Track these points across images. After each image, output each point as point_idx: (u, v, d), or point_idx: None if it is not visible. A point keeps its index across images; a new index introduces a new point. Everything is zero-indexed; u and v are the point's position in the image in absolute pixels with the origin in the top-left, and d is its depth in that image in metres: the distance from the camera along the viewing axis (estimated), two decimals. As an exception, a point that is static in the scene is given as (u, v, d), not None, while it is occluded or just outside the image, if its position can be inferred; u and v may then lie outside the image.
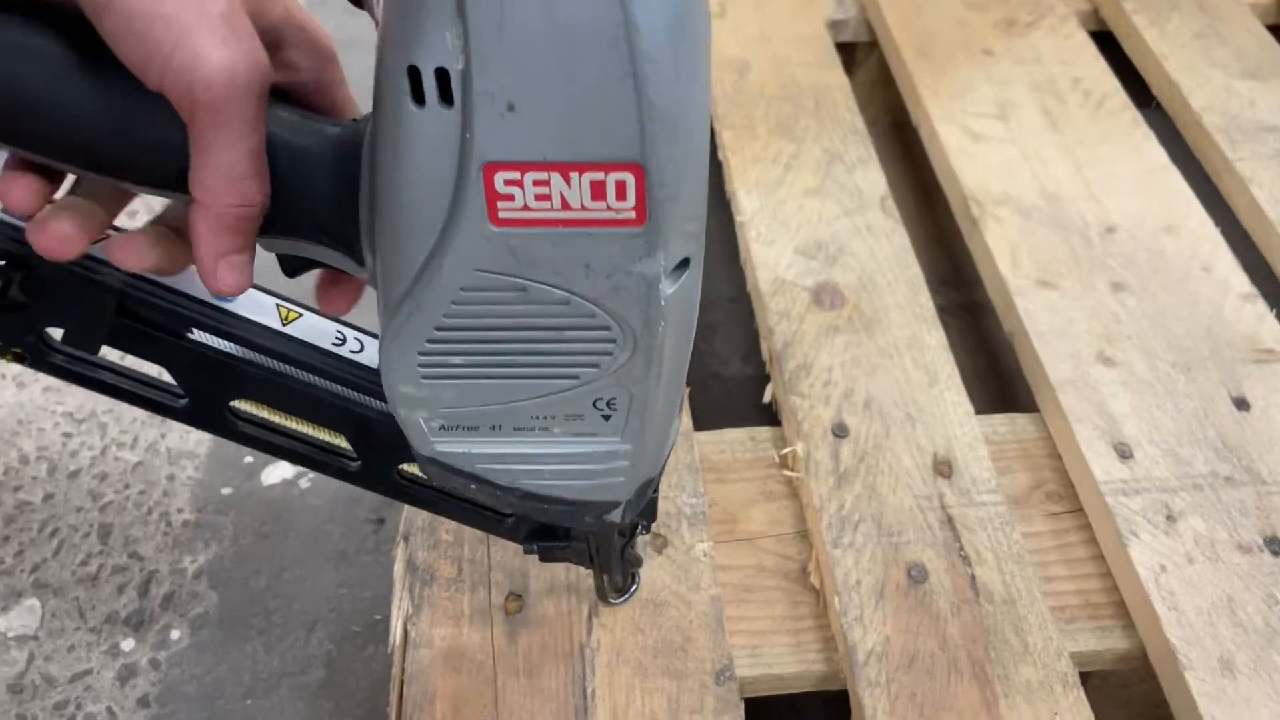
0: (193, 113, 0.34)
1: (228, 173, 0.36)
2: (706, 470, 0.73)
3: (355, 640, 0.84)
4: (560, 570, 0.65)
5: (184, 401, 0.50)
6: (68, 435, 0.95)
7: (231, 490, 0.92)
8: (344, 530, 0.90)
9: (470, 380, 0.40)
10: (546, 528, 0.58)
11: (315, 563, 0.88)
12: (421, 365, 0.39)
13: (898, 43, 1.04)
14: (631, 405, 0.40)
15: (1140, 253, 0.85)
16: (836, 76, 1.01)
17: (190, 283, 0.45)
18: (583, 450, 0.43)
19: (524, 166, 0.32)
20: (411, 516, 0.68)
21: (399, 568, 0.66)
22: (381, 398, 0.48)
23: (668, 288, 0.36)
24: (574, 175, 0.32)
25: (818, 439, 0.73)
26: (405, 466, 0.55)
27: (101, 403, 0.97)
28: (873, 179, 0.91)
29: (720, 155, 0.95)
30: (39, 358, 0.47)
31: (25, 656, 0.81)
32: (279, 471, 0.94)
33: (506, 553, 0.66)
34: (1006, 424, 0.77)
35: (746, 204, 0.89)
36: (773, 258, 0.84)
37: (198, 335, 0.47)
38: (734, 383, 1.02)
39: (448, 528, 0.67)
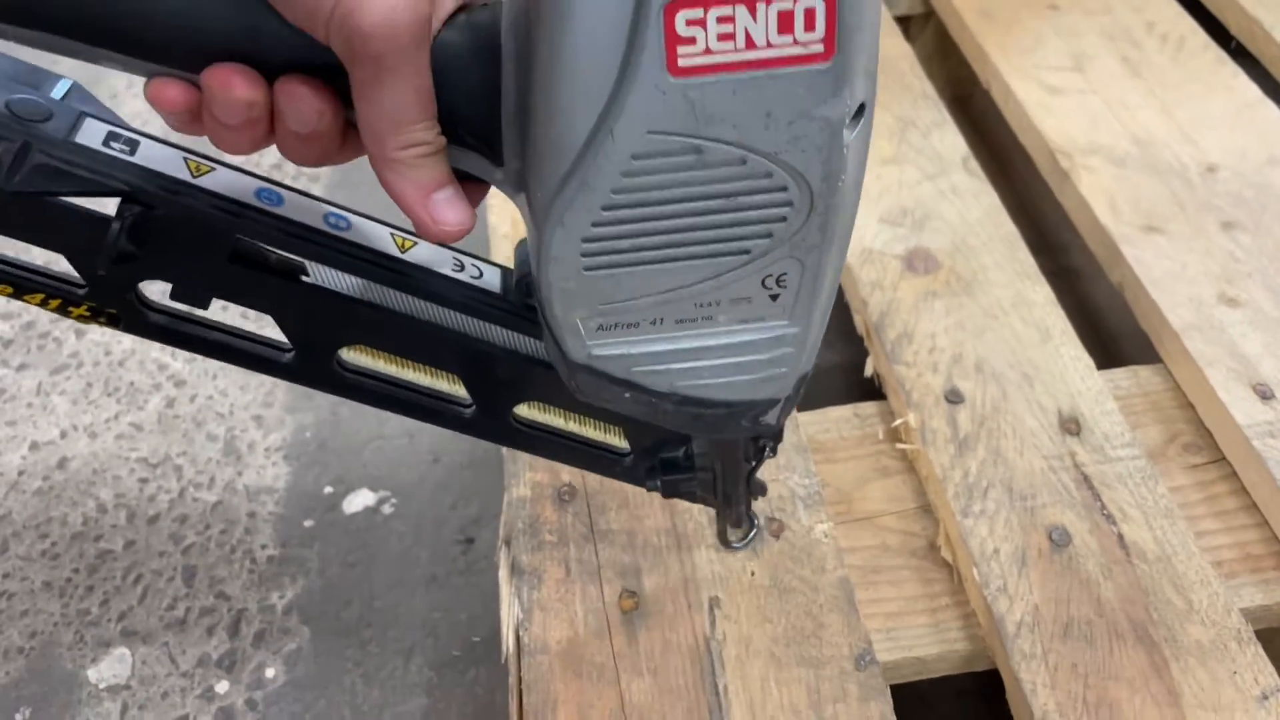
0: (352, 64, 0.33)
1: (393, 120, 0.34)
2: (814, 451, 0.69)
3: (455, 665, 0.80)
4: (675, 562, 0.61)
5: (290, 355, 0.47)
6: (144, 480, 0.93)
7: (314, 522, 0.89)
8: (432, 553, 0.87)
9: (636, 267, 0.37)
10: (669, 461, 0.54)
11: (406, 588, 0.84)
12: (585, 255, 0.36)
13: (958, 6, 1.00)
14: (803, 279, 0.37)
15: (1246, 189, 0.80)
16: (899, 45, 0.97)
17: (307, 212, 0.42)
18: (747, 339, 0.39)
19: (708, 1, 0.29)
20: (511, 520, 0.64)
21: (504, 573, 0.63)
22: (507, 324, 0.46)
23: (849, 134, 0.33)
24: (761, 6, 0.30)
25: (930, 407, 0.68)
26: (520, 410, 0.52)
27: (175, 445, 0.95)
28: (951, 141, 0.87)
29: (787, 135, 0.92)
30: (134, 319, 0.44)
31: (119, 707, 0.79)
32: (360, 499, 0.91)
33: (615, 548, 0.62)
34: (1129, 377, 0.72)
35: (822, 178, 0.85)
36: (857, 229, 0.79)
37: (313, 276, 0.44)
38: (820, 370, 0.97)
39: (550, 527, 0.64)
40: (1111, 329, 0.92)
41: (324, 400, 0.98)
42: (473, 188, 0.41)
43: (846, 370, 0.94)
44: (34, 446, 0.95)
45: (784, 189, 0.34)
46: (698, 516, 0.64)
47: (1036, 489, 0.63)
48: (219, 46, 0.34)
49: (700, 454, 0.54)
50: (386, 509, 0.90)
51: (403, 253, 0.44)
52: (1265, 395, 0.66)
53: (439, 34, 0.35)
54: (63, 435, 0.96)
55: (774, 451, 0.53)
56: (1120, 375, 0.72)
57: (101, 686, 0.80)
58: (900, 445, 0.68)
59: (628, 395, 0.42)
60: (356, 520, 0.89)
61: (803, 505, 0.64)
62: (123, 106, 1.28)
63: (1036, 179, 0.90)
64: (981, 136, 1.09)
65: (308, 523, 0.89)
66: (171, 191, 0.40)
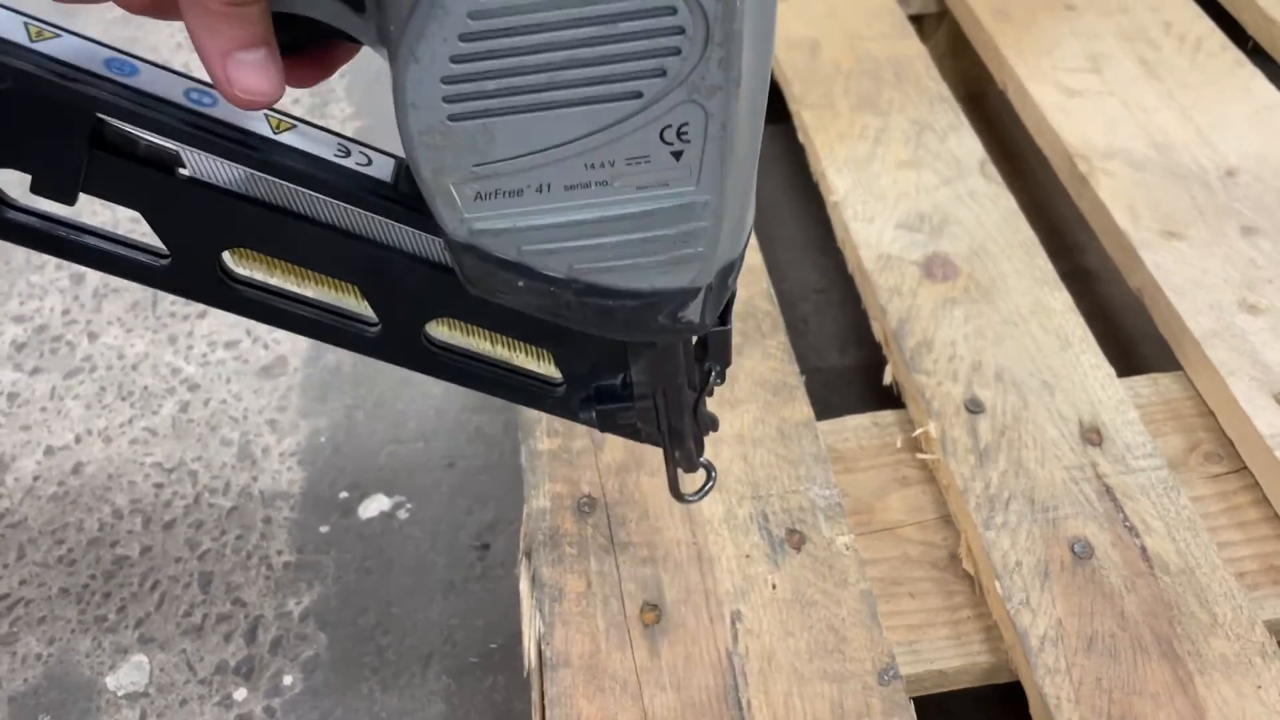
0: None
1: None
2: (834, 460, 0.68)
3: (473, 672, 0.80)
4: (696, 575, 0.61)
5: (165, 262, 0.43)
6: (159, 486, 0.93)
7: (329, 528, 0.89)
8: (448, 559, 0.87)
9: (509, 116, 0.32)
10: (606, 390, 0.49)
11: (423, 595, 0.84)
12: (448, 100, 0.32)
13: (972, 6, 0.99)
14: (708, 132, 0.33)
15: (1267, 194, 0.80)
16: (914, 46, 0.97)
17: (167, 86, 0.38)
18: (650, 209, 0.35)
19: None
20: (532, 533, 0.64)
21: (524, 586, 0.62)
22: (399, 217, 0.41)
23: None
24: None
25: (950, 416, 0.68)
26: (435, 332, 0.47)
27: (190, 450, 0.95)
28: (968, 145, 0.87)
29: (802, 137, 0.91)
30: None
31: (138, 715, 0.79)
32: (376, 505, 0.90)
33: (635, 561, 0.62)
34: (1149, 385, 0.72)
35: (838, 183, 0.84)
36: (874, 235, 0.80)
37: (191, 168, 0.40)
38: (834, 374, 0.97)
39: (570, 539, 0.63)
40: (1129, 332, 0.92)
41: (339, 404, 0.98)
42: (325, 54, 0.37)
43: (860, 375, 0.94)
44: (49, 451, 0.95)
45: (672, 10, 0.30)
46: (718, 529, 0.63)
47: (1058, 500, 0.63)
48: None
49: (639, 380, 0.48)
50: (402, 514, 0.90)
51: (276, 134, 0.39)
52: (1288, 404, 0.66)
53: None
54: (77, 440, 0.96)
55: (721, 378, 0.48)
56: (1140, 383, 0.72)
57: (120, 694, 0.80)
58: (920, 455, 0.68)
59: (521, 284, 0.37)
60: (372, 525, 0.89)
61: (823, 517, 0.64)
62: None
63: (1054, 179, 0.90)
64: (998, 135, 1.09)
65: (323, 528, 0.89)
66: (6, 55, 0.36)
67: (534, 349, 0.49)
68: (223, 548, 0.88)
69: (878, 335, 0.76)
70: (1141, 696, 0.55)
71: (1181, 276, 0.74)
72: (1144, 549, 0.61)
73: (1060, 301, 0.74)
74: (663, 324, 0.40)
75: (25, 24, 0.37)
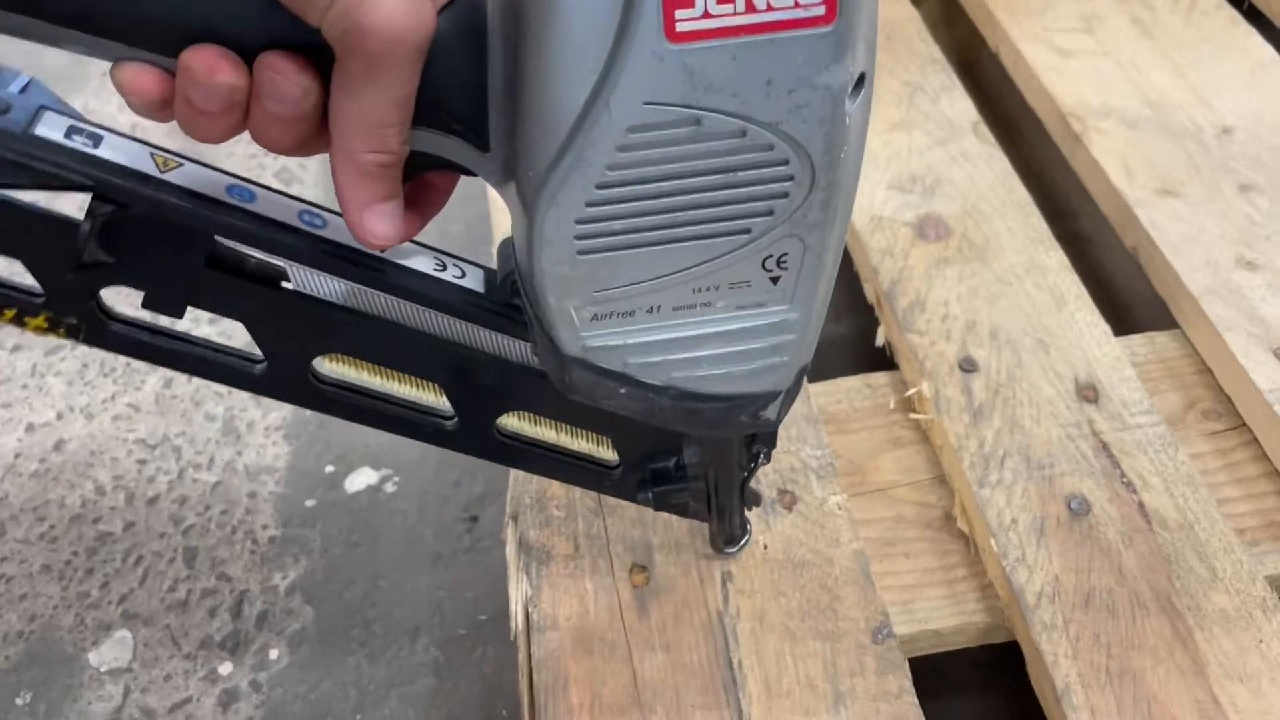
0: (346, 57, 0.32)
1: (368, 120, 0.33)
2: (826, 422, 0.67)
3: (462, 644, 0.79)
4: (686, 535, 0.60)
5: (262, 366, 0.45)
6: (142, 462, 0.92)
7: (315, 501, 0.88)
8: (436, 531, 0.85)
9: (632, 249, 0.35)
10: (660, 472, 0.53)
11: (411, 567, 0.83)
12: (579, 237, 0.35)
13: (964, -31, 0.98)
14: (804, 260, 0.36)
15: (1264, 152, 0.79)
16: (905, 9, 0.95)
17: (282, 209, 0.40)
18: (747, 326, 0.38)
19: None
20: (519, 496, 0.63)
21: (511, 549, 0.61)
22: (492, 325, 0.44)
23: (850, 104, 0.32)
24: None
25: (944, 376, 0.67)
26: (505, 422, 0.50)
27: (174, 426, 0.94)
28: (960, 106, 0.85)
29: (792, 102, 0.90)
30: (96, 329, 0.42)
31: (121, 690, 0.77)
32: (362, 478, 0.89)
33: (624, 523, 0.61)
34: (1145, 343, 0.71)
35: (829, 145, 0.83)
36: (865, 196, 0.78)
37: (294, 282, 0.42)
38: (827, 342, 0.96)
39: (558, 502, 0.62)
40: (1125, 295, 0.91)
41: (324, 378, 0.96)
42: (441, 182, 0.40)
43: (856, 340, 0.93)
44: (30, 429, 0.94)
45: (785, 162, 0.33)
46: (708, 489, 0.62)
47: (1054, 457, 0.62)
48: (198, 26, 0.32)
49: (691, 463, 0.52)
50: (389, 487, 0.88)
51: (383, 252, 0.42)
52: (1286, 359, 0.65)
53: None
54: (59, 417, 0.95)
55: (768, 458, 0.52)
56: (1137, 342, 0.71)
57: (103, 670, 0.78)
58: (914, 415, 0.67)
59: (623, 390, 0.41)
60: (359, 499, 0.88)
61: (815, 477, 0.63)
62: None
63: (1047, 144, 0.89)
64: (990, 101, 1.07)
65: (309, 502, 0.88)
66: (141, 187, 0.38)
67: (594, 435, 0.52)
68: (207, 523, 0.87)
69: (870, 297, 0.75)
70: (1140, 651, 0.54)
71: (1177, 234, 0.73)
72: (1142, 505, 0.60)
73: (1055, 260, 0.73)
74: (744, 422, 0.43)
75: (152, 154, 0.39)
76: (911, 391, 0.67)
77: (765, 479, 0.62)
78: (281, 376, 0.46)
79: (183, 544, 0.86)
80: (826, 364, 0.93)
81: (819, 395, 0.69)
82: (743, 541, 0.58)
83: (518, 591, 0.59)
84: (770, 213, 0.35)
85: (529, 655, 0.56)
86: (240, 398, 0.96)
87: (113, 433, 0.94)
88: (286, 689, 0.77)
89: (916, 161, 0.81)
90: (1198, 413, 0.67)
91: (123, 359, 1.00)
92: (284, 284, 0.42)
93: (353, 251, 0.41)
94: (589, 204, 0.34)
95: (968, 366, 0.67)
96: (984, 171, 0.80)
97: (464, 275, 0.44)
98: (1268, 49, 0.87)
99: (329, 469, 0.90)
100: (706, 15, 0.29)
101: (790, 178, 0.34)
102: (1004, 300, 0.71)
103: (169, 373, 0.98)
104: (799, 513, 0.61)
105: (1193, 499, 0.60)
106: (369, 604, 0.81)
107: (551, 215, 0.34)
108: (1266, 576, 0.57)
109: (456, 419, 0.49)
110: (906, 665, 0.55)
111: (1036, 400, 0.65)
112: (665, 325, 0.38)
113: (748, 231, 0.35)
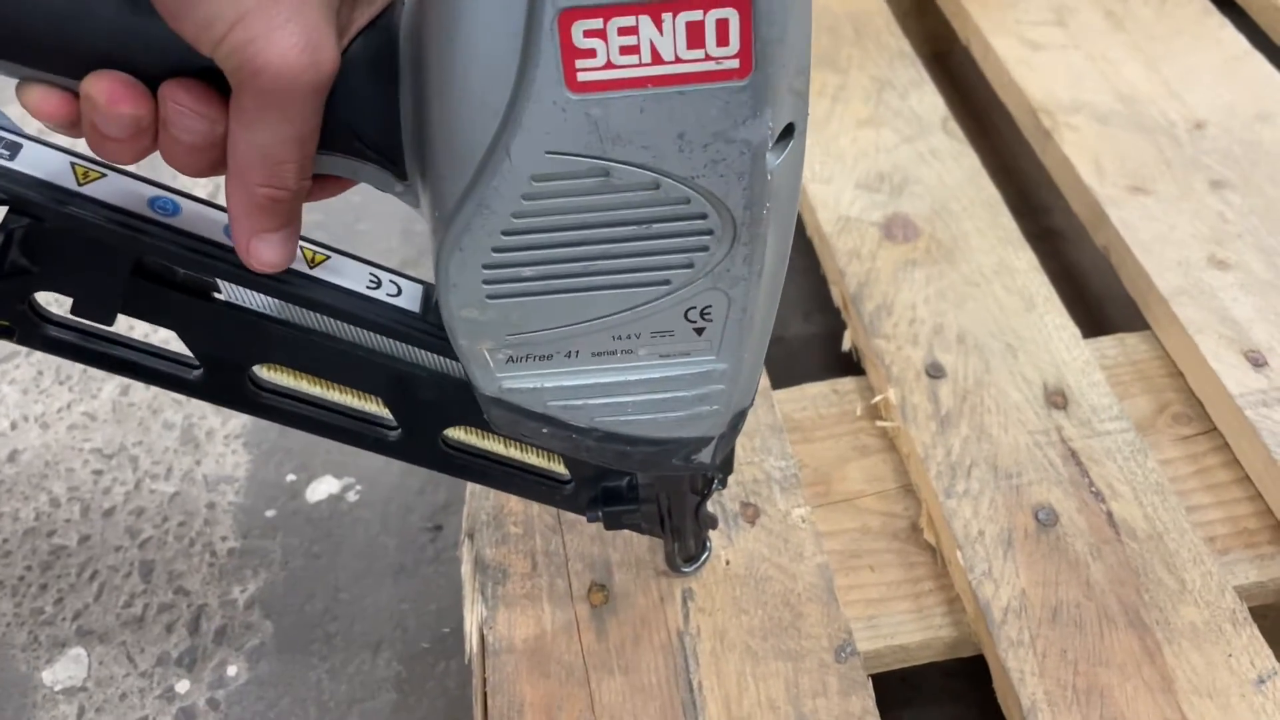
0: (239, 92, 0.30)
1: (264, 156, 0.31)
2: (790, 430, 0.66)
3: (424, 658, 0.77)
4: (646, 552, 0.59)
5: (198, 372, 0.44)
6: (98, 473, 0.89)
7: (275, 512, 0.86)
8: (399, 542, 0.84)
9: (543, 296, 0.34)
10: (613, 491, 0.51)
11: (373, 579, 0.81)
12: (487, 282, 0.33)
13: (934, -40, 0.96)
14: (729, 313, 0.34)
15: (1235, 147, 0.77)
16: (874, 2, 0.93)
17: (207, 224, 0.39)
18: (671, 375, 0.37)
19: (607, 11, 0.26)
20: (475, 512, 0.61)
21: (467, 568, 0.60)
22: (427, 345, 0.42)
23: (773, 159, 0.30)
24: (666, 17, 0.27)
25: (911, 382, 0.65)
26: (450, 433, 0.49)
27: (130, 435, 0.91)
28: (929, 102, 0.84)
29: (759, 98, 0.88)
30: (29, 331, 0.41)
31: (75, 710, 0.75)
32: (324, 487, 0.87)
33: (583, 539, 0.59)
34: (1115, 345, 0.70)
35: (795, 143, 0.81)
36: (832, 196, 0.77)
37: (225, 294, 0.41)
38: (798, 343, 0.94)
39: (515, 519, 0.61)
40: (1096, 294, 0.90)
41: (285, 384, 0.94)
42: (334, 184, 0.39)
43: (823, 342, 0.92)
44: (-17, 439, 0.91)
45: (703, 216, 0.32)
46: (669, 503, 0.61)
47: (1022, 466, 0.61)
48: (97, 52, 0.31)
49: (645, 485, 0.51)
50: (351, 497, 0.87)
51: (312, 268, 0.40)
52: (1258, 363, 0.64)
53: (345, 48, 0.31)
54: (13, 427, 0.93)
55: (723, 484, 0.51)
56: (1107, 344, 0.70)
57: (57, 689, 0.77)
58: (880, 423, 0.66)
59: (545, 430, 0.39)
60: (320, 509, 0.86)
61: (779, 488, 0.61)
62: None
63: (1018, 139, 0.87)
64: (961, 96, 1.06)
65: (269, 513, 0.86)
66: (58, 202, 0.36)
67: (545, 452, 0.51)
68: (164, 535, 0.85)
69: (836, 300, 0.73)
70: (1108, 667, 0.53)
71: (1149, 233, 0.72)
72: (1110, 514, 0.58)
73: (1024, 261, 0.72)
74: (677, 465, 0.42)
75: (73, 164, 0.37)
76: (878, 399, 0.66)
77: (727, 492, 0.61)
78: (217, 383, 0.45)
79: (139, 557, 0.84)
80: (797, 365, 0.92)
81: (784, 402, 0.67)
82: (701, 560, 0.57)
83: (473, 613, 0.58)
84: (690, 265, 0.33)
85: (484, 679, 0.55)
86: (199, 405, 0.93)
87: (68, 442, 0.92)
88: (245, 706, 0.75)
89: (885, 160, 0.79)
90: (1168, 417, 0.66)
91: (78, 366, 0.97)
92: (215, 295, 0.41)
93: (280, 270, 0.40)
94: (495, 249, 0.32)
95: (935, 372, 0.66)
96: (953, 169, 0.78)
97: (399, 293, 0.42)
98: (1241, 40, 0.86)
99: (290, 478, 0.88)
100: (610, 65, 0.28)
101: (709, 231, 0.32)
102: (972, 303, 0.69)
103: (126, 380, 0.96)
104: (762, 526, 0.60)
105: (1162, 508, 0.59)
106: (330, 617, 0.80)
107: (456, 260, 0.33)
108: (1236, 586, 0.56)
109: (400, 430, 0.48)
110: (870, 685, 0.54)
111: (1004, 407, 0.64)
112: (585, 370, 0.37)
113: (667, 283, 0.34)
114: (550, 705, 0.53)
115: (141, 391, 0.95)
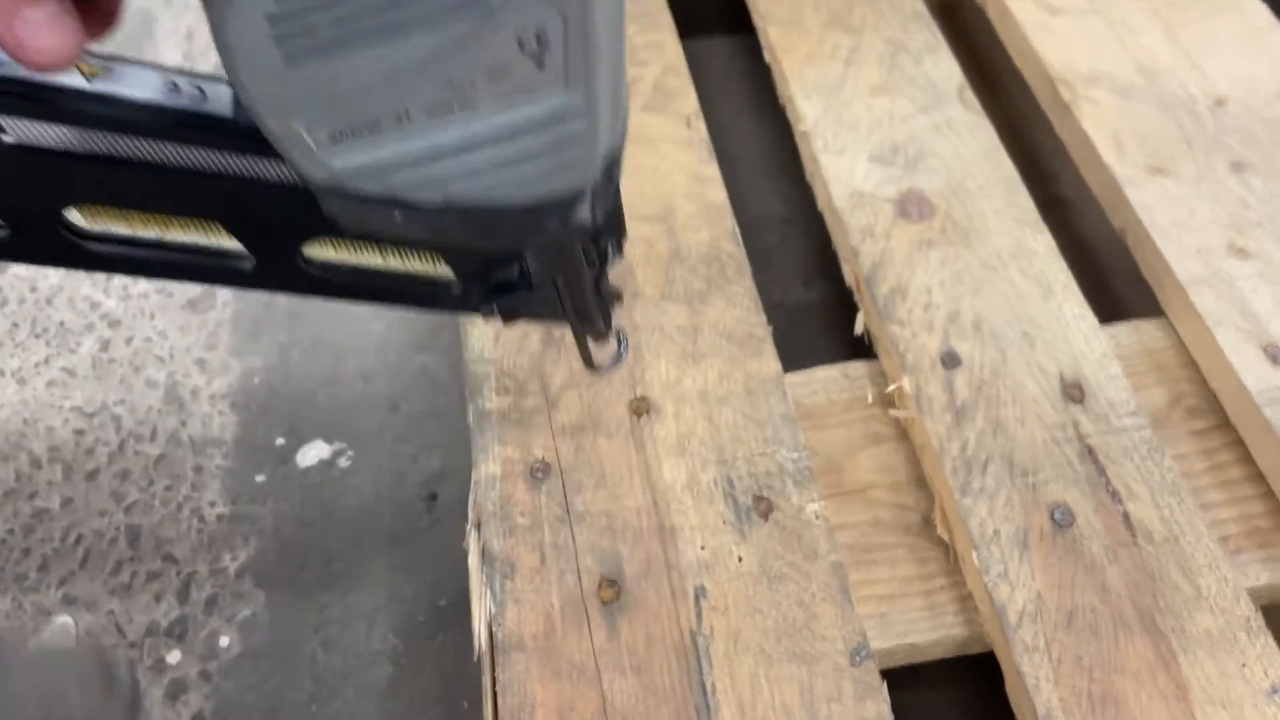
0: None
1: None
2: (802, 417, 0.64)
3: (421, 630, 0.76)
4: (657, 547, 0.57)
5: (5, 233, 0.40)
6: (80, 432, 0.87)
7: (265, 477, 0.84)
8: (394, 510, 0.82)
9: (347, 47, 0.29)
10: (505, 282, 0.47)
11: (367, 548, 0.80)
12: (278, 40, 0.28)
13: (951, -88, 0.92)
14: (568, 35, 0.30)
15: (1258, 125, 0.76)
16: (888, -44, 0.90)
17: None
18: (522, 118, 0.32)
19: None
20: (480, 501, 0.60)
21: (473, 560, 0.58)
22: (246, 149, 0.38)
23: None
24: None
25: (926, 371, 0.64)
26: (313, 252, 0.44)
27: (112, 393, 0.89)
28: (945, 69, 0.81)
29: (768, 57, 0.85)
30: None
31: (64, 680, 0.74)
32: (315, 451, 0.85)
33: (593, 531, 0.58)
34: (1130, 333, 0.69)
35: (807, 110, 0.79)
36: (845, 169, 0.74)
37: (11, 134, 0.36)
38: (798, 310, 0.93)
39: (522, 509, 0.59)
40: (1110, 268, 0.88)
41: (272, 341, 0.92)
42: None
43: (824, 310, 0.90)
44: (-43, 395, 0.88)
45: None
46: (680, 496, 0.59)
47: (1039, 463, 0.60)
48: None
49: (536, 270, 0.46)
50: (343, 462, 0.85)
51: (90, 82, 0.35)
52: (1276, 358, 0.63)
53: None
54: (-12, 382, 0.90)
55: (619, 249, 0.46)
56: (1122, 331, 0.68)
57: (44, 659, 0.75)
58: (894, 412, 0.64)
59: (398, 216, 0.35)
60: (311, 474, 0.84)
61: (792, 482, 0.60)
62: None
63: (1028, 100, 0.85)
64: (972, 53, 1.03)
65: (259, 477, 0.84)
66: None
67: (425, 252, 0.46)
68: (151, 499, 0.83)
69: (848, 280, 0.71)
70: (1123, 675, 0.53)
71: (1168, 217, 0.70)
72: (1127, 515, 0.58)
73: (1042, 244, 0.70)
74: (553, 229, 0.37)
75: None
76: (892, 388, 0.65)
77: (740, 484, 0.60)
78: (28, 238, 0.40)
79: (125, 522, 0.82)
80: (798, 335, 0.90)
81: (795, 386, 0.66)
82: (620, 355, 0.53)
83: (481, 608, 0.56)
84: None
85: (493, 679, 0.54)
86: (183, 362, 0.91)
87: (47, 399, 0.89)
88: (238, 679, 0.74)
89: (899, 130, 0.77)
90: (1183, 410, 0.65)
91: (55, 317, 0.94)
92: (3, 138, 0.37)
93: (47, 89, 0.35)
94: None
95: (950, 361, 0.64)
96: (969, 143, 0.76)
97: (204, 97, 0.37)
98: (1264, 12, 0.83)
99: (279, 441, 0.86)
100: None
101: None
102: (989, 288, 0.68)
103: (105, 334, 0.93)
104: (775, 522, 0.59)
105: (1178, 510, 0.58)
106: (323, 588, 0.79)
107: (232, 18, 0.28)
108: (1249, 589, 0.56)
109: (253, 257, 0.43)
110: (885, 689, 0.53)
111: (1021, 399, 0.63)
112: (422, 133, 0.32)
113: (484, 4, 0.29)
114: (562, 706, 0.53)
115: (122, 347, 0.92)
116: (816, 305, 0.92)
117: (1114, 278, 0.86)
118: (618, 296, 0.50)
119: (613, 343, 0.52)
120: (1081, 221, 0.91)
